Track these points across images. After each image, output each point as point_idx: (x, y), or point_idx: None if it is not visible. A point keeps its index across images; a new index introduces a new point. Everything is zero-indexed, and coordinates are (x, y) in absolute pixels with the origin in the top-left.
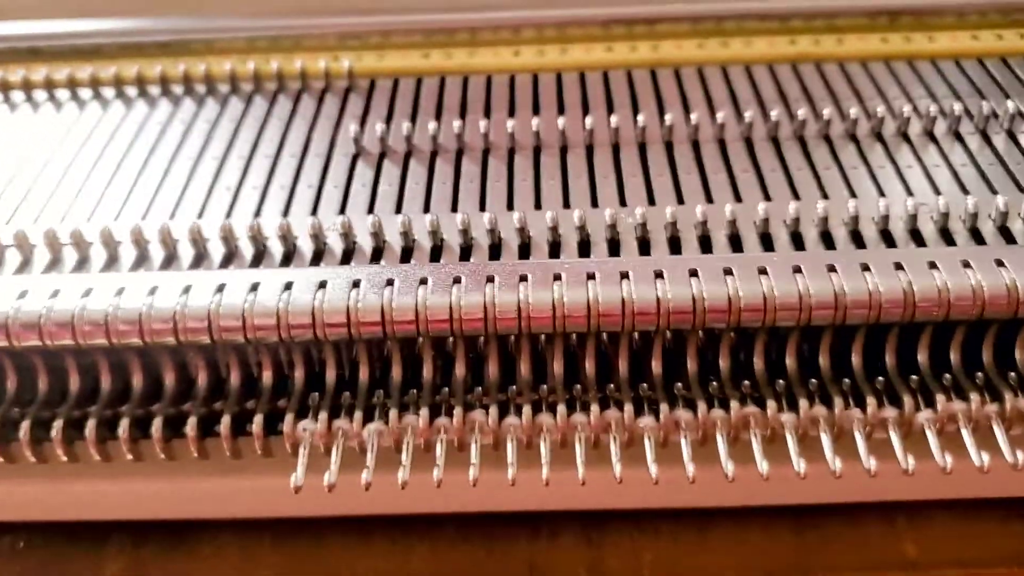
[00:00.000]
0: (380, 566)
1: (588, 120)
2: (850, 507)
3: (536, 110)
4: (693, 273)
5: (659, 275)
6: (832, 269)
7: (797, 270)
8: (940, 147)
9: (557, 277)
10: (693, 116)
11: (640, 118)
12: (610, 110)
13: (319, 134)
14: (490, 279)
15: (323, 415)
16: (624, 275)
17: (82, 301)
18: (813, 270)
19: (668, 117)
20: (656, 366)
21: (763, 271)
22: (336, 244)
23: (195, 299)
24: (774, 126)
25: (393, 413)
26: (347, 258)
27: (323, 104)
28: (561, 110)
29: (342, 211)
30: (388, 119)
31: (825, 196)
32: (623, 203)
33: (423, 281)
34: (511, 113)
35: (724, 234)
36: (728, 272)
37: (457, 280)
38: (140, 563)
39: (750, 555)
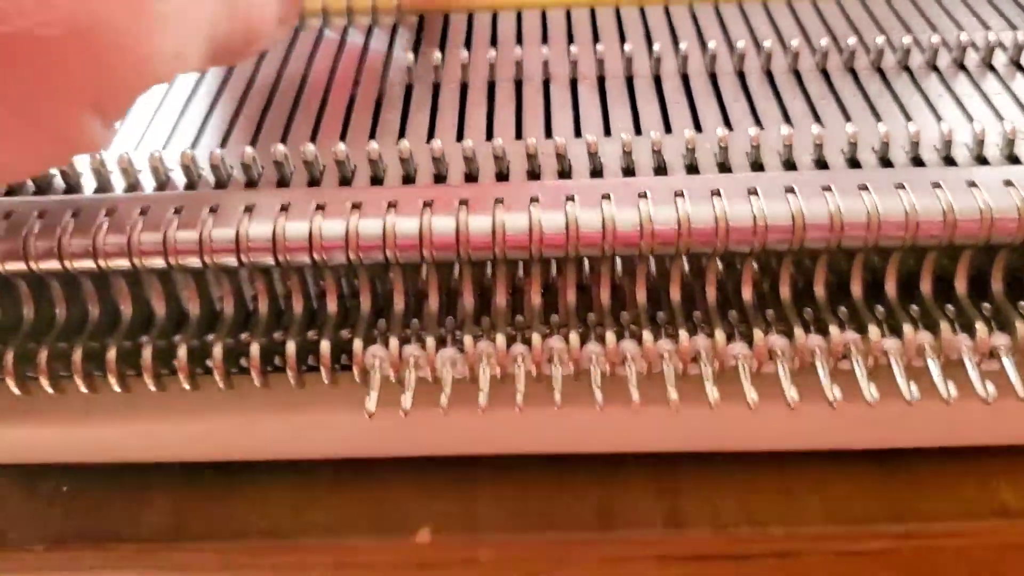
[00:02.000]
0: (444, 509)
1: (627, 48)
2: (939, 452)
3: (595, 36)
4: (790, 190)
5: (754, 191)
6: (900, 187)
7: (863, 188)
8: (1000, 77)
9: (643, 195)
10: (739, 46)
11: (682, 47)
12: (675, 42)
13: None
14: (570, 198)
15: (394, 341)
16: (716, 192)
17: (138, 219)
18: (881, 188)
19: (711, 45)
20: (746, 292)
21: (864, 187)
22: (396, 168)
23: (259, 219)
24: (823, 57)
25: (468, 339)
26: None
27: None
28: (623, 43)
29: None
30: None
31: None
32: (668, 130)
33: (499, 201)
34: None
35: (780, 160)
36: (827, 188)
37: (535, 200)
38: (187, 506)
39: (836, 502)
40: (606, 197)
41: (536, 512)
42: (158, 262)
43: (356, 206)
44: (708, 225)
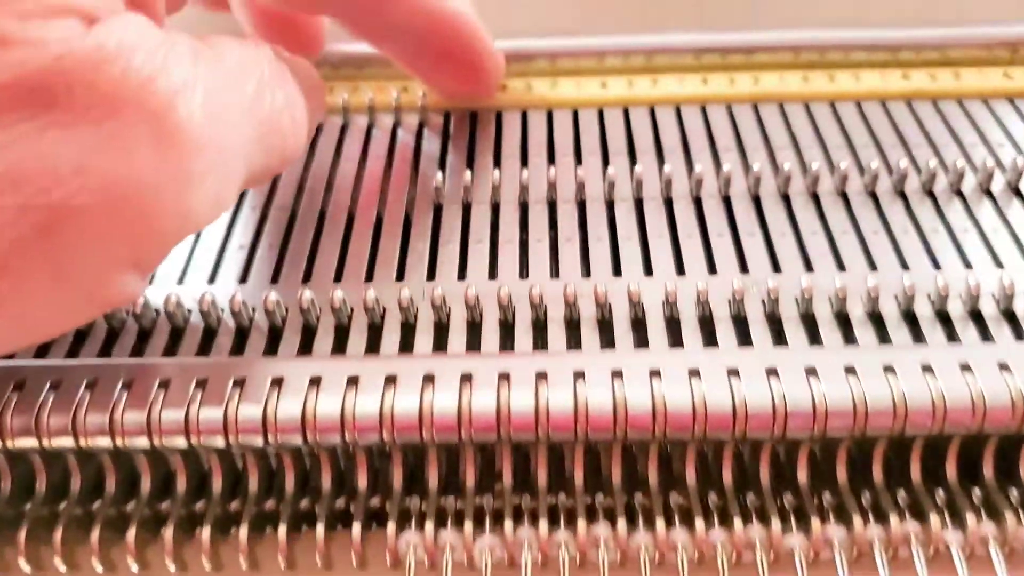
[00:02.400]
0: None
1: (666, 168)
2: None
3: (632, 151)
4: (851, 371)
5: (812, 371)
6: (967, 369)
7: (928, 369)
8: None
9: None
10: (785, 167)
11: (725, 168)
12: (714, 152)
13: None
14: (617, 374)
15: (429, 527)
16: (772, 372)
17: (158, 394)
18: (946, 370)
19: (755, 167)
20: (802, 475)
21: (928, 369)
22: (427, 312)
23: (288, 396)
24: (872, 179)
25: (508, 526)
26: (442, 334)
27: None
28: (660, 153)
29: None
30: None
31: (937, 265)
32: (712, 268)
33: (541, 376)
34: (606, 160)
35: (832, 310)
36: (889, 370)
37: (580, 375)
38: None
39: None
40: (655, 374)
41: None
42: (180, 441)
43: (390, 380)
44: (765, 411)
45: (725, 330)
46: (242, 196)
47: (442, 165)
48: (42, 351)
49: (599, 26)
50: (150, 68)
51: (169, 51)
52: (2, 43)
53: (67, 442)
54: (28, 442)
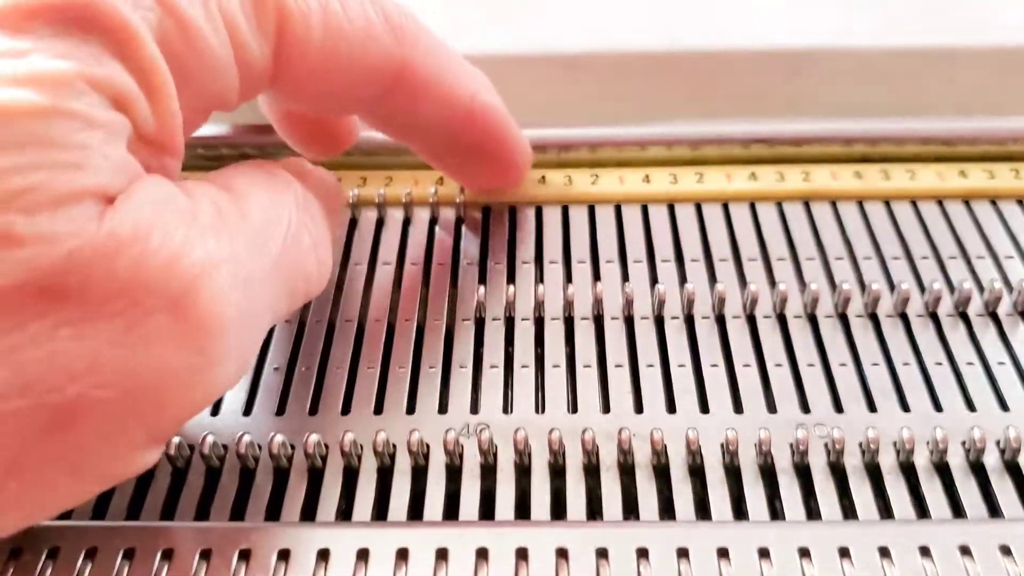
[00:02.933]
0: None
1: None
2: None
3: (680, 256)
4: (925, 552)
5: (885, 552)
6: None
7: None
8: None
9: None
10: (844, 287)
11: (780, 286)
12: (767, 261)
13: None
14: (682, 553)
15: None
16: (844, 552)
17: (200, 566)
18: None
19: (813, 287)
20: None
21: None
22: (473, 450)
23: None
24: (934, 300)
25: None
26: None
27: None
28: (709, 260)
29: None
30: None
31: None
32: (772, 407)
33: (601, 554)
34: (653, 267)
35: (898, 460)
36: (965, 551)
37: (642, 553)
38: None
39: None
40: (723, 554)
41: None
42: None
43: (441, 555)
44: None
45: (788, 483)
46: None
47: (482, 273)
48: None
49: (641, 115)
50: (168, 250)
51: (190, 224)
52: (11, 242)
53: None
54: None
